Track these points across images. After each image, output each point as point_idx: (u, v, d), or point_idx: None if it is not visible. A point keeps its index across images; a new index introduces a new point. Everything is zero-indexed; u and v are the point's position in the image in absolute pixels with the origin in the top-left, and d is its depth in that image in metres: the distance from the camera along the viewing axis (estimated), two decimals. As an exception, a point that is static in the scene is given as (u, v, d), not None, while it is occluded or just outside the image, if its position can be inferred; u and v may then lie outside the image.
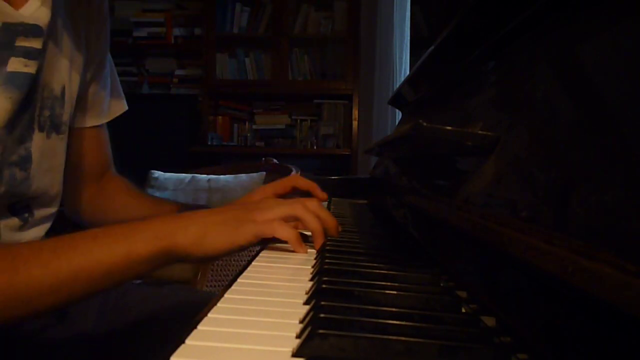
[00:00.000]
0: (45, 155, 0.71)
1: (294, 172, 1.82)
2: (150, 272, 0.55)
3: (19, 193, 0.69)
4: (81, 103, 0.82)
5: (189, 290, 1.15)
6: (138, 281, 1.19)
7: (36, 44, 0.64)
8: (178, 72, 3.64)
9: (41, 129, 0.69)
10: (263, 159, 2.57)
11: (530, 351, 0.33)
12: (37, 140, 0.69)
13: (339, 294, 0.42)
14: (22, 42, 0.63)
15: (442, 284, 0.49)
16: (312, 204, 0.62)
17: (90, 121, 0.85)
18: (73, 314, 0.83)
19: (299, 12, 3.44)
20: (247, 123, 3.55)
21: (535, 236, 0.32)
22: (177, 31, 3.54)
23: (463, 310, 0.41)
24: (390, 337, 0.32)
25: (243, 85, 3.51)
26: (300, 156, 3.43)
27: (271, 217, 0.58)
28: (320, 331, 0.31)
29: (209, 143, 3.44)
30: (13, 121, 0.64)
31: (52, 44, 0.68)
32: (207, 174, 2.35)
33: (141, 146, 3.02)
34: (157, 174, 2.38)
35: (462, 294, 0.46)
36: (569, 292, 0.28)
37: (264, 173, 2.26)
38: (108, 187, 0.93)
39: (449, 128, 0.54)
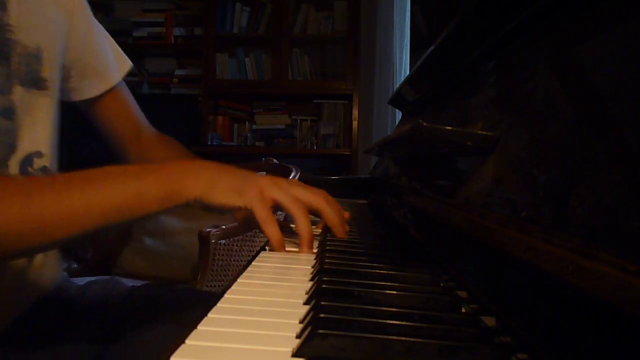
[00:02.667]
0: (27, 108, 0.72)
1: (293, 173, 1.82)
2: (159, 213, 0.57)
3: (9, 142, 0.70)
4: (87, 71, 0.84)
5: (189, 290, 1.15)
6: (138, 282, 1.19)
7: None
8: (178, 72, 3.64)
9: (21, 84, 0.72)
10: (263, 159, 2.56)
11: (530, 351, 0.33)
12: (18, 93, 0.71)
13: (339, 294, 0.42)
14: None
15: (442, 284, 0.49)
16: (318, 201, 0.63)
17: (103, 86, 0.87)
18: (74, 314, 0.83)
19: (299, 12, 3.44)
20: (247, 123, 3.55)
21: (535, 236, 0.32)
22: (177, 31, 3.54)
23: (463, 310, 0.41)
24: (390, 337, 0.32)
25: (243, 85, 3.51)
26: (300, 156, 3.43)
27: (273, 193, 0.59)
28: (320, 331, 0.31)
29: (209, 143, 3.44)
30: None
31: (15, 4, 0.69)
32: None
33: (141, 146, 3.01)
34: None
35: (462, 294, 0.46)
36: (569, 292, 0.28)
37: (264, 173, 2.26)
38: (148, 148, 0.95)
39: (449, 128, 0.54)
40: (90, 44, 0.86)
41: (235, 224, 1.60)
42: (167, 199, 0.56)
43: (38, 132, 0.75)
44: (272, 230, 0.59)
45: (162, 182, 0.56)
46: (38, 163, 0.75)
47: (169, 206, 0.57)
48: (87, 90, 0.87)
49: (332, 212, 0.63)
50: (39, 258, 0.80)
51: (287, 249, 0.62)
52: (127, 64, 0.94)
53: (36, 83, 0.74)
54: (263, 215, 0.58)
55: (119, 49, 0.94)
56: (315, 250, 0.62)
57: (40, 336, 0.77)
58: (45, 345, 0.77)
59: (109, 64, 0.89)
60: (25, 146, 0.73)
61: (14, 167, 0.71)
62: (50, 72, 0.77)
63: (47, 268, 0.83)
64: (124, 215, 0.56)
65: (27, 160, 0.73)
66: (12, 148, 0.71)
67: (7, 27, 0.69)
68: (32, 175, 0.63)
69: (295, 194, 0.60)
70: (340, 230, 0.65)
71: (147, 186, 0.56)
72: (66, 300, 0.84)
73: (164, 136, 0.98)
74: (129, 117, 0.95)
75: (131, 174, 0.57)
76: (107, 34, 0.92)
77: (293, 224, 0.65)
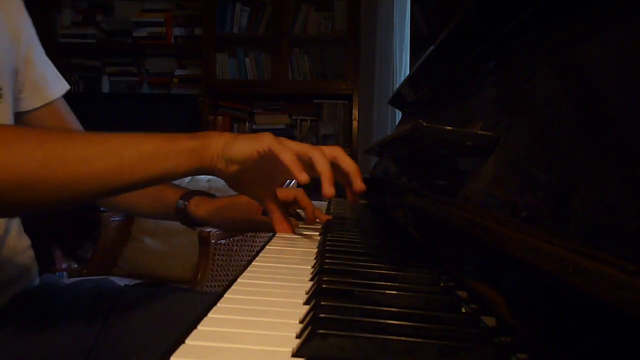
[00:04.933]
0: None
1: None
2: (187, 170, 0.63)
3: None
4: (26, 84, 0.86)
5: (189, 290, 1.15)
6: (138, 281, 1.19)
7: None
8: (178, 72, 3.64)
9: None
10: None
11: (530, 351, 0.33)
12: None
13: (339, 294, 0.42)
14: None
15: (442, 284, 0.49)
16: (331, 150, 0.67)
17: (41, 99, 0.89)
18: (58, 310, 0.83)
19: (299, 12, 3.44)
20: (247, 123, 3.55)
21: (535, 236, 0.32)
22: (177, 31, 3.54)
23: (463, 310, 0.41)
24: (390, 337, 0.32)
25: (243, 85, 3.51)
26: (301, 156, 3.42)
27: (288, 142, 0.63)
28: (320, 331, 0.31)
29: (209, 143, 3.43)
30: None
31: None
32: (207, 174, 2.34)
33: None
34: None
35: (462, 294, 0.46)
36: (569, 292, 0.28)
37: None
38: None
39: (449, 128, 0.54)
40: (32, 60, 0.88)
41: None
42: (196, 151, 0.62)
43: None
44: (288, 156, 0.62)
45: (190, 136, 0.62)
46: None
47: (196, 163, 0.62)
48: (25, 102, 0.87)
49: (324, 163, 0.64)
50: (6, 250, 0.81)
51: (296, 235, 0.66)
52: (66, 85, 0.95)
53: None
54: (279, 147, 0.62)
55: (58, 72, 0.95)
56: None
57: (20, 330, 0.76)
58: (27, 339, 0.77)
59: (48, 80, 0.91)
60: None
61: None
62: (3, 81, 0.79)
63: (21, 258, 0.84)
64: (158, 161, 0.61)
65: None
66: None
67: None
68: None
69: (293, 148, 0.64)
70: (326, 182, 0.64)
71: (179, 137, 0.62)
72: (50, 297, 0.84)
73: None
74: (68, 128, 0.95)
75: (151, 136, 0.62)
76: (46, 57, 0.93)
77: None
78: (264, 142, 0.62)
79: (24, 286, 0.84)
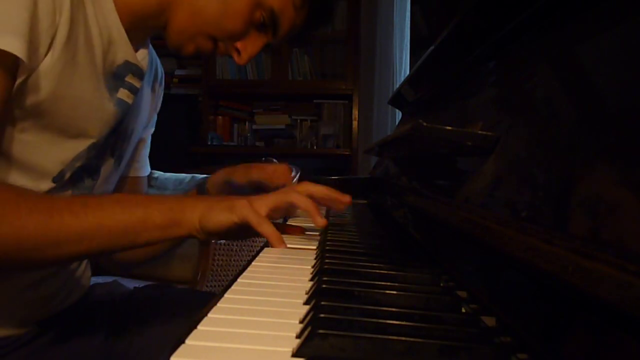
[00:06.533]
0: (106, 177, 0.81)
1: (293, 173, 1.82)
2: (161, 240, 0.64)
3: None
4: (134, 154, 0.93)
5: (189, 290, 1.16)
6: (139, 282, 1.19)
7: (137, 83, 0.79)
8: (178, 72, 3.64)
9: (112, 155, 0.81)
10: (263, 159, 2.56)
11: (530, 351, 0.33)
12: (107, 163, 0.80)
13: (339, 294, 0.42)
14: (130, 79, 0.77)
15: (442, 284, 0.49)
16: (303, 187, 0.68)
17: (135, 171, 0.96)
18: (82, 315, 0.84)
19: (299, 12, 3.44)
20: (247, 123, 3.55)
21: (535, 236, 0.32)
22: (177, 31, 3.54)
23: (463, 310, 0.41)
24: (390, 337, 0.32)
25: (243, 85, 3.50)
26: (300, 156, 3.42)
27: (263, 206, 0.64)
28: (320, 331, 0.31)
29: (209, 143, 3.43)
30: (107, 137, 0.76)
31: (139, 91, 0.81)
32: (207, 174, 2.34)
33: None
34: (157, 173, 2.38)
35: (462, 294, 0.46)
36: (569, 292, 0.28)
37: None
38: None
39: (449, 128, 0.54)
40: (146, 140, 0.97)
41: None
42: (168, 227, 0.63)
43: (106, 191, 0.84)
44: (267, 228, 0.63)
45: (164, 210, 0.63)
46: None
47: (171, 235, 0.63)
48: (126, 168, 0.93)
49: (305, 201, 0.67)
50: (77, 270, 0.85)
51: (288, 246, 0.65)
52: (149, 169, 1.02)
53: (119, 159, 0.84)
54: (255, 218, 0.63)
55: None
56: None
57: (39, 336, 0.77)
58: (63, 344, 0.80)
59: (145, 159, 0.99)
60: None
61: None
62: (128, 155, 0.88)
63: (83, 279, 0.87)
64: (129, 239, 0.62)
65: None
66: None
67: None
68: (56, 195, 0.70)
69: (270, 203, 0.65)
70: (315, 215, 0.67)
71: (151, 213, 0.62)
72: (75, 305, 0.85)
73: None
74: None
75: (139, 202, 0.63)
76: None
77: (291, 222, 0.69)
78: (240, 212, 0.62)
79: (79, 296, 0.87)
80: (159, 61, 0.94)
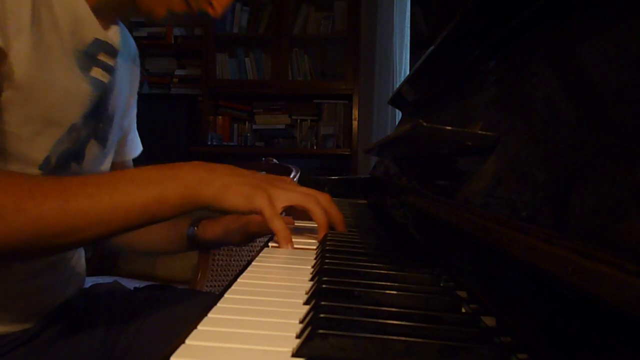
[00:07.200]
0: (92, 160, 0.80)
1: (293, 173, 1.82)
2: (177, 215, 0.63)
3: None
4: (120, 142, 0.92)
5: (189, 290, 1.16)
6: (139, 282, 1.18)
7: (111, 61, 0.77)
8: (178, 72, 3.64)
9: (95, 138, 0.80)
10: (263, 159, 2.57)
11: (530, 351, 0.33)
12: (91, 145, 0.79)
13: (339, 294, 0.42)
14: (102, 57, 0.75)
15: (442, 284, 0.49)
16: (323, 197, 0.68)
17: (121, 156, 0.96)
18: (82, 315, 0.84)
19: (299, 12, 3.44)
20: (247, 123, 3.55)
21: (535, 236, 0.32)
22: (177, 31, 3.54)
23: (463, 310, 0.41)
24: (390, 337, 0.32)
25: (243, 85, 3.51)
26: (300, 156, 3.43)
27: (281, 201, 0.64)
28: (320, 331, 0.31)
29: (209, 143, 3.44)
30: (87, 119, 0.75)
31: (115, 70, 0.79)
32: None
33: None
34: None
35: (462, 294, 0.46)
36: (569, 292, 0.28)
37: (264, 173, 2.26)
38: None
39: (449, 128, 0.54)
40: (132, 124, 0.97)
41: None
42: (183, 205, 0.62)
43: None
44: (278, 225, 0.63)
45: (179, 188, 0.61)
46: None
47: (185, 211, 0.63)
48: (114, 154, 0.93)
49: (320, 213, 0.67)
50: (72, 259, 0.84)
51: (295, 246, 0.65)
52: (140, 148, 1.03)
53: (102, 141, 0.82)
54: (269, 213, 0.62)
55: (137, 132, 1.02)
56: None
57: (39, 336, 0.77)
58: (63, 344, 0.80)
59: (133, 141, 1.00)
60: None
61: None
62: (113, 137, 0.86)
63: (76, 277, 0.87)
64: (145, 219, 0.61)
65: None
66: None
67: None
68: (66, 177, 0.68)
69: (289, 201, 0.65)
70: (322, 230, 0.68)
71: (167, 192, 0.61)
72: (74, 302, 0.85)
73: None
74: None
75: (153, 180, 0.62)
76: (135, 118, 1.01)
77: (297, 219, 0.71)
78: (257, 203, 0.62)
79: (73, 294, 0.87)
80: (133, 41, 0.92)
